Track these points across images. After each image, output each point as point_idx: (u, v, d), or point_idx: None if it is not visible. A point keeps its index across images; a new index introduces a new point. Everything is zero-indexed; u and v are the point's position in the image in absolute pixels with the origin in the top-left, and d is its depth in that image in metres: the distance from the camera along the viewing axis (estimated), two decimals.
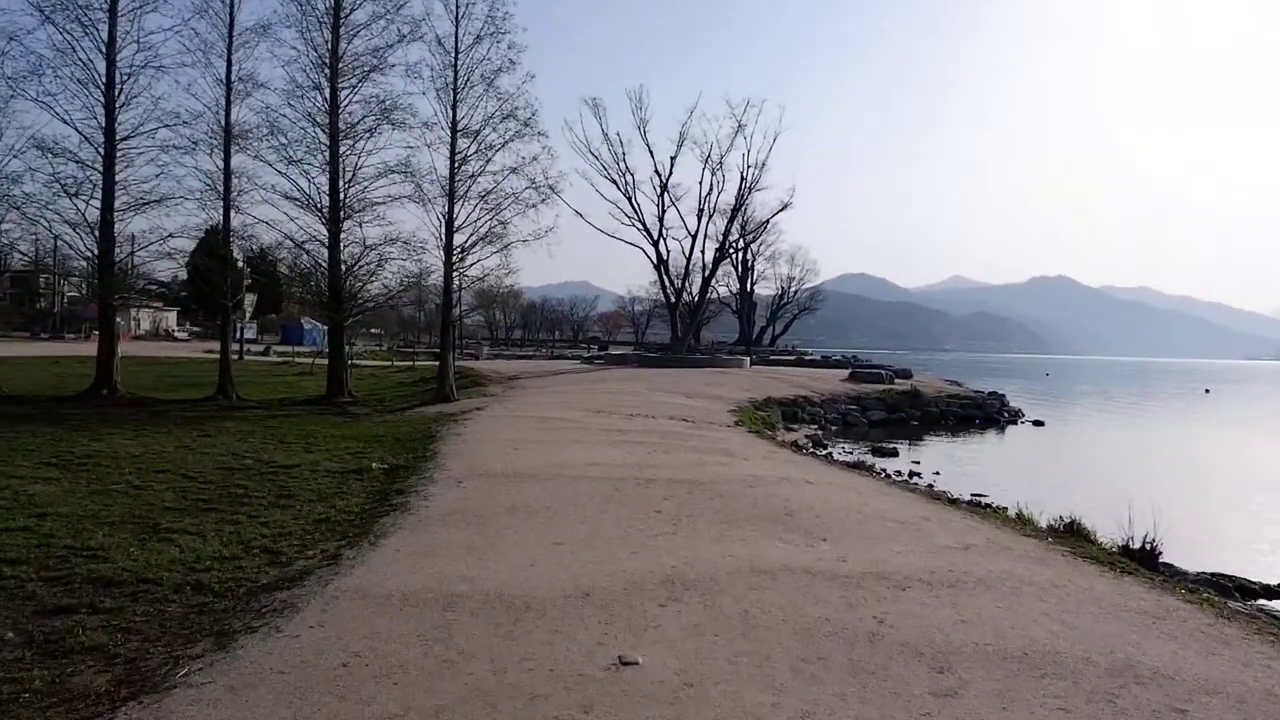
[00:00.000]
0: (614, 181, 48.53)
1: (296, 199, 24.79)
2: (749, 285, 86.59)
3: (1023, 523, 10.40)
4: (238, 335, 55.13)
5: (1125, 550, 9.20)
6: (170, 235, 25.63)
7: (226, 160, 25.07)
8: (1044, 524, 10.61)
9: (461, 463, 12.55)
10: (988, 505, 12.29)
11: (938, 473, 19.25)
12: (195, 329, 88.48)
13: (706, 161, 49.97)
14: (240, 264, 47.67)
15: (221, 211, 25.39)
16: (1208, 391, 73.44)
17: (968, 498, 15.34)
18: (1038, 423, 34.11)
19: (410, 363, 45.62)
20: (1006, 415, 35.10)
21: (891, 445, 23.84)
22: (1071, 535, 9.67)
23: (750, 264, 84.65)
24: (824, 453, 21.58)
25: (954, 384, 43.27)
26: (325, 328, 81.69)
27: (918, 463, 20.94)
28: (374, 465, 12.96)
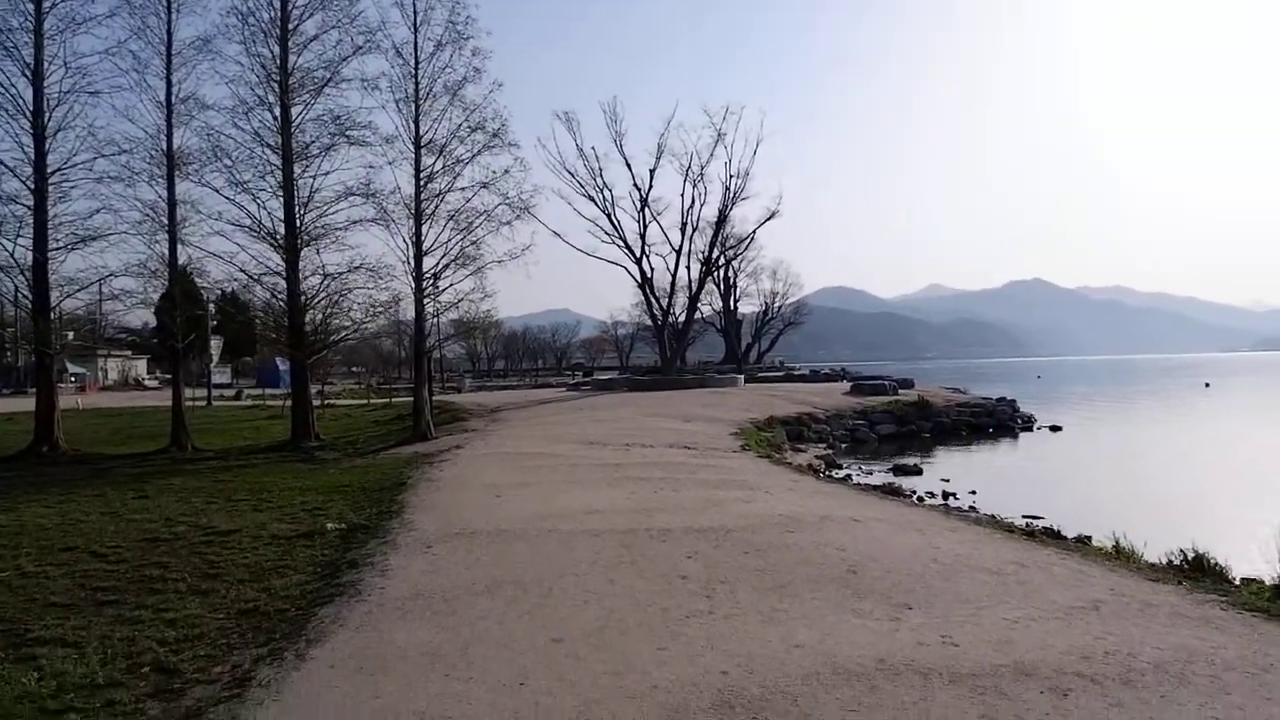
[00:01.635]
0: (591, 198, 46.62)
1: (248, 227, 22.65)
2: (732, 302, 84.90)
3: (1129, 560, 8.40)
4: (206, 379, 52.71)
5: None
6: (112, 274, 23.54)
7: (171, 189, 22.91)
8: (1155, 558, 8.63)
9: (434, 518, 10.41)
10: (1068, 537, 10.25)
11: (974, 492, 17.25)
12: (167, 377, 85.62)
13: (687, 173, 48.17)
14: (209, 304, 45.61)
15: (167, 246, 23.20)
16: (1208, 386, 72.08)
17: (1021, 522, 13.36)
18: (1055, 428, 32.20)
19: (387, 400, 43.35)
20: (1020, 422, 33.22)
21: (912, 462, 21.84)
22: (1203, 573, 7.67)
23: (733, 280, 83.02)
24: (841, 475, 19.58)
25: (957, 391, 41.39)
26: None
27: (947, 480, 18.94)
28: (329, 526, 10.79)
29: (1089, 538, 10.17)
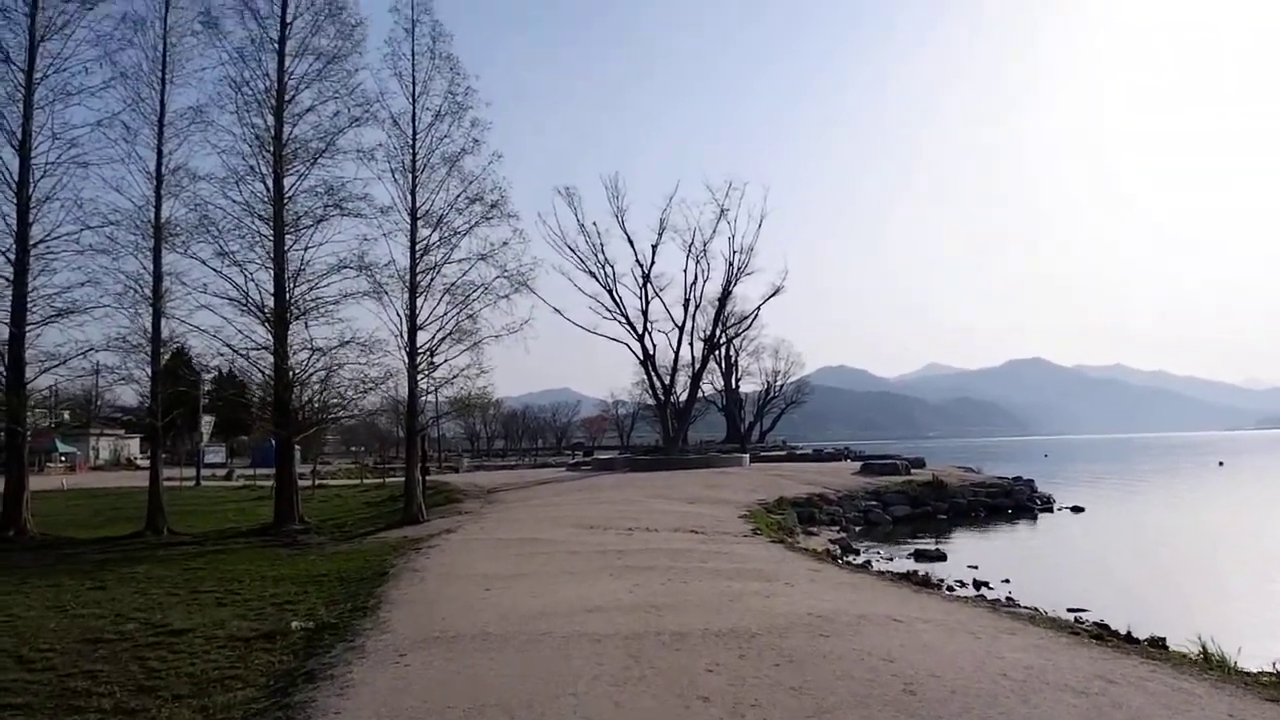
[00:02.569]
0: (593, 274, 45.90)
1: (235, 300, 21.78)
2: (734, 381, 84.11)
3: (1226, 672, 7.14)
4: (196, 459, 51.39)
5: None
6: (92, 349, 22.57)
7: (157, 261, 22.13)
8: (1250, 664, 7.39)
9: (412, 617, 9.14)
10: (1140, 639, 8.96)
11: (1007, 580, 15.90)
12: (163, 456, 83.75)
13: (689, 249, 47.55)
14: (202, 381, 44.65)
15: (150, 319, 22.29)
16: (1221, 464, 70.55)
17: (1066, 616, 12.07)
18: (1076, 509, 30.73)
19: (381, 480, 41.96)
20: (1039, 502, 31.81)
21: (934, 547, 20.47)
22: None
23: (734, 359, 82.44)
24: (859, 560, 18.24)
25: (969, 470, 40.02)
26: (297, 448, 77.26)
27: (975, 567, 17.56)
28: (294, 626, 9.52)
29: (1163, 639, 8.89)
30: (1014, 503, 30.85)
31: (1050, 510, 30.90)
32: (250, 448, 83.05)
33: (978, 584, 15.47)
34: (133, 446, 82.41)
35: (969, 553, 20.35)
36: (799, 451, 69.68)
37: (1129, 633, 8.79)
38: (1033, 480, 34.78)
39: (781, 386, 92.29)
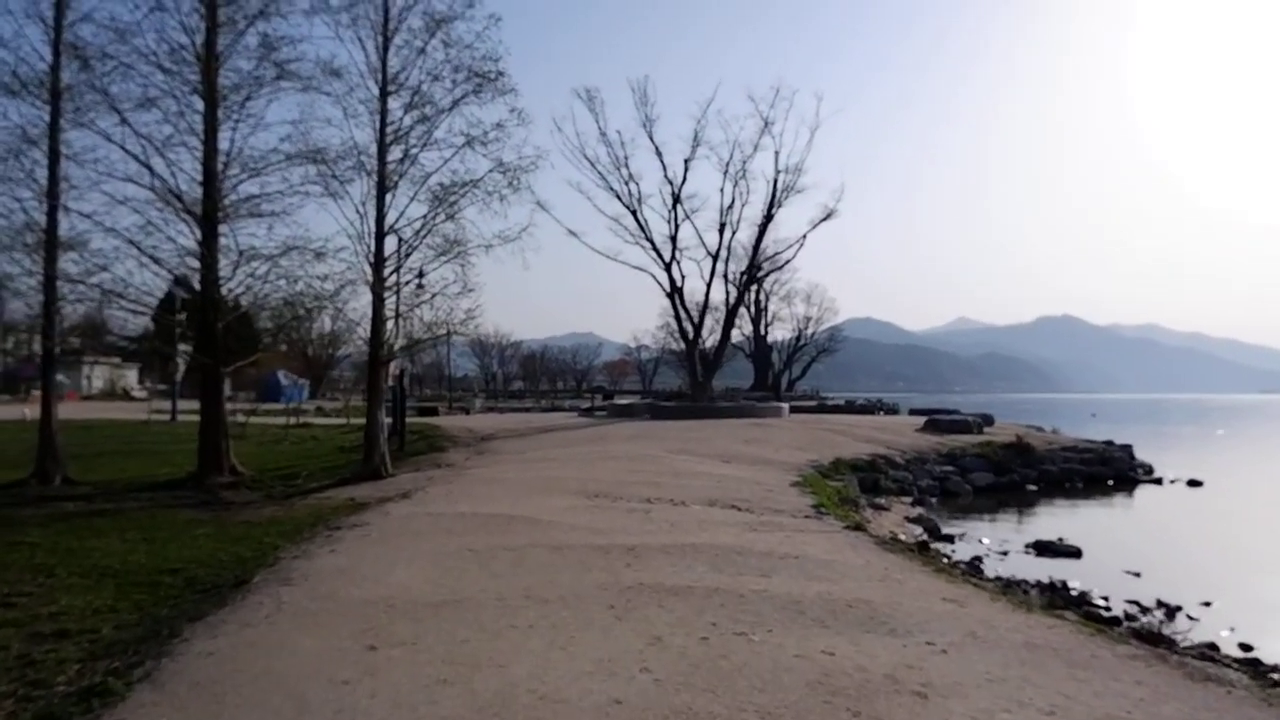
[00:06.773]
0: (615, 193, 39.95)
1: (142, 185, 16.79)
2: (764, 326, 78.91)
3: None
4: (172, 391, 47.03)
5: None
6: None
7: (53, 137, 17.21)
8: None
9: None
10: None
11: (1207, 603, 10.73)
12: (159, 387, 79.79)
13: (727, 169, 41.37)
14: (178, 307, 39.97)
15: (45, 213, 17.42)
16: None
17: None
18: (1193, 482, 25.20)
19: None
20: (1140, 472, 26.45)
21: (1056, 536, 15.23)
22: None
23: (765, 303, 77.10)
24: (957, 550, 13.21)
25: (1038, 430, 34.59)
26: (305, 382, 72.06)
27: (1137, 575, 12.37)
28: None
29: None
30: (1114, 472, 25.47)
31: (1157, 482, 25.43)
32: (256, 380, 78.73)
33: (1169, 610, 10.25)
34: (130, 377, 78.39)
35: (1101, 546, 15.07)
36: (829, 402, 64.89)
37: None
38: (1130, 445, 29.27)
39: (813, 334, 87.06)
